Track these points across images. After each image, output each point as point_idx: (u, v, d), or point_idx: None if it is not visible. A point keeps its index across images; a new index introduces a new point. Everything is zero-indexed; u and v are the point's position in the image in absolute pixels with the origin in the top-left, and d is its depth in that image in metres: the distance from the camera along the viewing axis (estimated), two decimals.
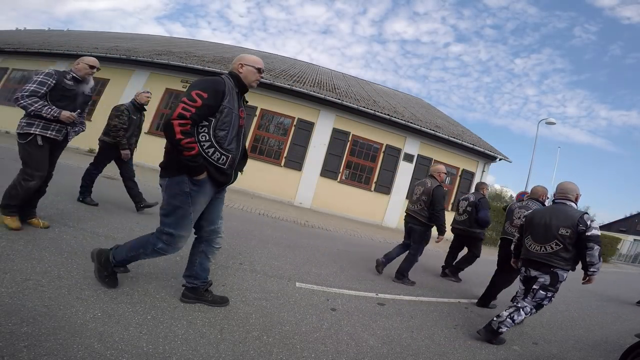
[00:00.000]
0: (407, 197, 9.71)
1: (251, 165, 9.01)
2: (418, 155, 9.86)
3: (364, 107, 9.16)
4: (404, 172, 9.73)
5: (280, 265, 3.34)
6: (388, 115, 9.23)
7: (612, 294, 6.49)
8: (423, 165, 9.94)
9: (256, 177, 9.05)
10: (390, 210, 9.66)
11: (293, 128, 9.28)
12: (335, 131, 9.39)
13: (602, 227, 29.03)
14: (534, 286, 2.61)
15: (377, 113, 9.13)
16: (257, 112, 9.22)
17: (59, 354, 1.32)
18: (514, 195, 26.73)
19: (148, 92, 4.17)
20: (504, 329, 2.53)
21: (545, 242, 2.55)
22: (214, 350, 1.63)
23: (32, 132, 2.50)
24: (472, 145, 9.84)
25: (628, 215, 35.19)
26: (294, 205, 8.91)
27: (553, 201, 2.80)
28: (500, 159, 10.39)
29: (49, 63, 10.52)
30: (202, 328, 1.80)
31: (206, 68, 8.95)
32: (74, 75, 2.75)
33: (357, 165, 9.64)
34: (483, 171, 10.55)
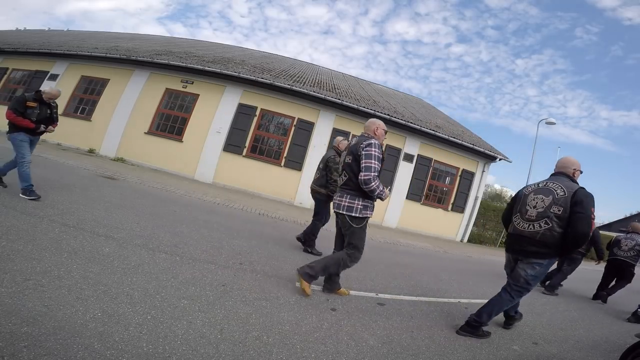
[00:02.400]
0: (407, 197, 9.71)
1: (251, 165, 9.07)
2: (418, 155, 9.86)
3: (364, 107, 9.16)
4: (404, 172, 9.73)
5: (280, 265, 3.34)
6: (388, 115, 9.22)
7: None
8: (423, 165, 9.94)
9: (256, 177, 9.06)
10: (390, 210, 9.65)
11: (293, 128, 9.28)
12: (335, 131, 9.38)
13: (602, 227, 29.05)
14: None
15: (377, 113, 9.12)
16: (257, 112, 9.22)
17: (59, 354, 1.32)
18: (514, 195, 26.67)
19: (344, 138, 4.10)
20: None
21: None
22: (214, 350, 1.62)
23: (368, 215, 2.54)
24: (472, 145, 9.84)
25: (628, 215, 35.17)
26: (294, 205, 8.91)
27: None
28: (500, 159, 10.39)
29: (49, 63, 10.53)
30: (202, 328, 1.80)
31: (206, 68, 8.95)
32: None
33: None
34: (483, 171, 10.55)
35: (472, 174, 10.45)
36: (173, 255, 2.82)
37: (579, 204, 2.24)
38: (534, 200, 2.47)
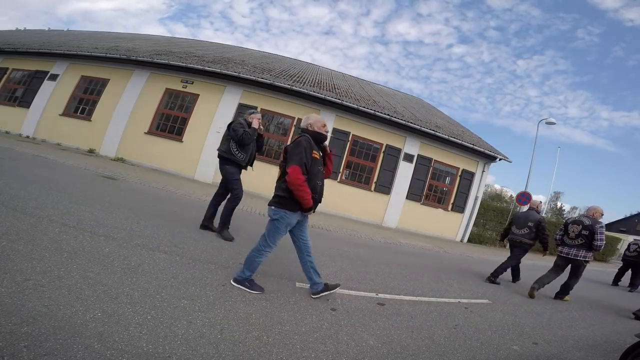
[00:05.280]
0: (407, 197, 9.71)
1: None
2: (418, 155, 9.86)
3: (364, 107, 9.15)
4: (404, 172, 9.73)
5: (280, 265, 3.34)
6: (388, 115, 9.22)
7: (613, 294, 6.49)
8: (423, 165, 9.93)
9: (256, 177, 9.03)
10: (390, 210, 9.65)
11: (293, 128, 9.28)
12: (335, 131, 9.39)
13: None
14: None
15: (377, 113, 9.12)
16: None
17: (59, 354, 1.32)
18: (514, 195, 26.70)
19: (541, 202, 5.85)
20: None
21: None
22: (214, 350, 1.63)
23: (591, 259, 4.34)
24: (472, 145, 9.84)
25: (628, 215, 35.19)
26: None
27: None
28: (500, 159, 10.38)
29: (49, 63, 10.53)
30: (202, 328, 1.80)
31: (206, 68, 8.95)
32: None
33: (357, 165, 9.63)
34: (483, 171, 10.55)
35: (472, 174, 10.44)
36: (173, 255, 2.83)
37: None
38: None
